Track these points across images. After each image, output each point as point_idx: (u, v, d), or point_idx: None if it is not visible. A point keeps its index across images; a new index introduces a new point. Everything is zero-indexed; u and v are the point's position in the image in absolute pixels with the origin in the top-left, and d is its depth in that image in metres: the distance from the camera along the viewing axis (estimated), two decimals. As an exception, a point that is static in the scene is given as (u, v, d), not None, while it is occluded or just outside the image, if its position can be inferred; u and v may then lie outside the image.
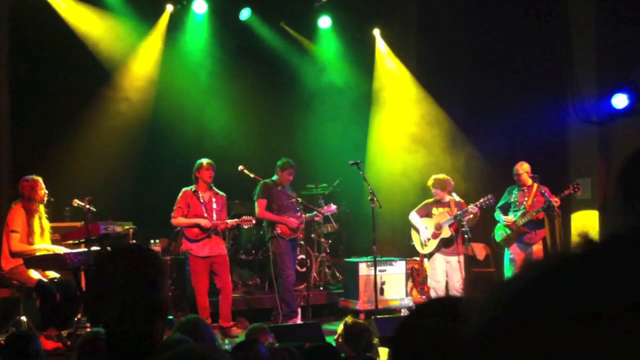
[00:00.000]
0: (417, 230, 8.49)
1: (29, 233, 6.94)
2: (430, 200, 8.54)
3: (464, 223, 8.12)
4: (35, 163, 8.62)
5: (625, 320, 0.57)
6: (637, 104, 9.93)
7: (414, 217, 8.55)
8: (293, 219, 8.12)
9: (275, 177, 8.32)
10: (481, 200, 8.21)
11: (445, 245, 8.31)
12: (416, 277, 9.17)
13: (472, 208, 8.14)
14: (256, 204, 8.24)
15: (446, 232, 8.27)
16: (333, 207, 8.67)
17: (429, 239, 8.37)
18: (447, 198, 8.34)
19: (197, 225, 7.76)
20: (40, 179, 7.05)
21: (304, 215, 8.36)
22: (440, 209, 8.38)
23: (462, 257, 8.30)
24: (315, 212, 8.52)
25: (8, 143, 8.58)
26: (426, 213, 8.50)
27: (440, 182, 8.40)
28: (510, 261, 8.45)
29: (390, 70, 11.45)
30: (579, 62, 10.53)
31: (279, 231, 8.13)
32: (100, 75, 9.66)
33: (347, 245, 10.70)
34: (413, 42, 11.29)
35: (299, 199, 8.27)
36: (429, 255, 8.49)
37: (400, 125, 11.05)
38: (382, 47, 11.47)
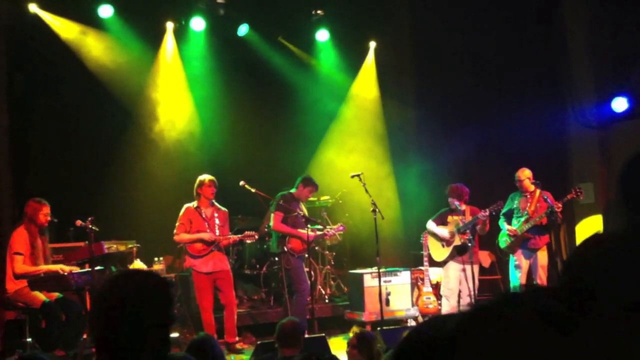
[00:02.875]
0: (436, 237, 8.51)
1: (33, 254, 6.95)
2: (446, 208, 8.55)
3: (467, 231, 8.14)
4: (37, 184, 8.65)
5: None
6: (636, 106, 9.94)
7: (431, 225, 8.57)
8: (305, 233, 8.06)
9: (293, 190, 8.32)
10: (490, 207, 8.22)
11: (458, 253, 8.32)
12: (421, 286, 9.15)
13: (481, 215, 8.15)
14: (272, 215, 8.24)
15: (458, 241, 8.29)
16: (341, 227, 8.69)
17: (445, 246, 8.40)
18: (463, 206, 8.35)
19: (200, 240, 7.75)
20: (47, 204, 7.07)
21: (316, 232, 8.39)
22: (455, 217, 8.40)
23: (476, 266, 8.30)
24: (324, 232, 8.57)
25: (7, 164, 8.59)
26: (441, 221, 8.53)
27: (456, 190, 8.41)
28: (515, 267, 8.44)
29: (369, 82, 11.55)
30: (577, 66, 10.55)
31: (289, 246, 8.11)
32: (98, 94, 9.67)
33: (351, 257, 10.69)
34: (410, 51, 11.31)
35: (314, 219, 8.33)
36: (443, 264, 8.50)
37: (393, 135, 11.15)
38: (370, 60, 11.53)
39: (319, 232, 8.54)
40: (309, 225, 8.08)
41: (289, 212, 8.11)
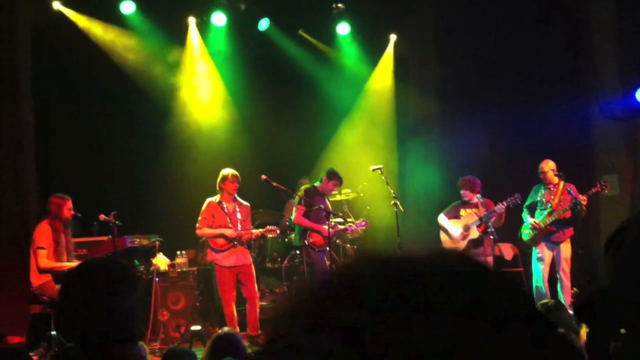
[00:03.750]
0: (447, 232, 8.46)
1: (57, 250, 7.02)
2: (459, 201, 8.50)
3: (490, 224, 8.07)
4: (61, 179, 8.74)
5: None
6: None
7: (442, 219, 8.53)
8: (326, 228, 8.03)
9: (318, 184, 8.31)
10: (508, 199, 8.15)
11: (474, 246, 8.27)
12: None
13: (498, 207, 8.09)
14: (294, 208, 8.27)
15: (474, 233, 8.22)
16: (363, 223, 8.59)
17: (459, 240, 8.35)
18: (475, 199, 8.30)
19: (222, 236, 7.78)
20: (69, 199, 7.14)
21: (338, 228, 8.37)
22: (469, 210, 8.35)
23: (490, 258, 8.24)
24: (346, 227, 8.52)
25: (33, 160, 8.71)
26: (454, 215, 8.47)
27: (469, 183, 8.36)
28: (538, 260, 8.37)
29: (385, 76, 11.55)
30: (601, 57, 10.43)
31: (310, 241, 8.09)
32: (121, 90, 9.77)
33: (372, 250, 10.65)
34: (431, 44, 11.26)
35: (336, 212, 8.23)
36: None
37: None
38: (390, 53, 11.53)
39: (340, 227, 8.51)
40: (330, 220, 8.07)
41: (310, 206, 8.11)
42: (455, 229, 8.39)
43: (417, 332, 0.64)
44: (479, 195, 8.30)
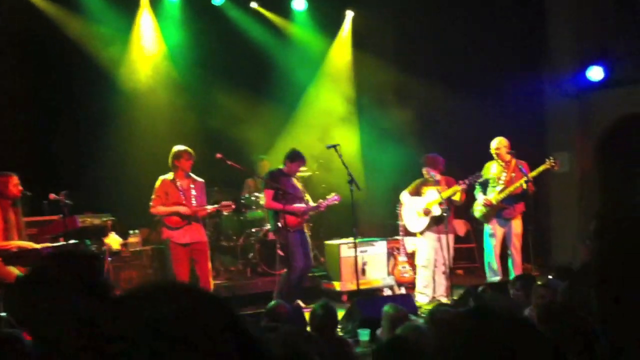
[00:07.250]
0: (409, 209, 8.53)
1: (7, 229, 6.87)
2: (421, 178, 8.54)
3: (443, 201, 8.16)
4: (10, 157, 8.54)
5: None
6: (613, 75, 9.98)
7: (405, 196, 8.57)
8: (298, 205, 7.95)
9: (282, 167, 8.19)
10: (469, 177, 8.22)
11: (436, 223, 8.34)
12: (397, 256, 9.21)
13: (461, 185, 8.15)
14: (263, 193, 8.18)
15: (436, 211, 8.27)
16: (336, 197, 8.34)
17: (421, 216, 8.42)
18: (438, 176, 8.36)
19: (177, 213, 7.70)
20: (13, 175, 6.95)
21: (310, 204, 8.26)
22: (430, 187, 8.38)
23: (452, 236, 8.33)
24: (318, 204, 8.32)
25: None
26: (416, 192, 8.51)
27: (431, 160, 8.41)
28: (490, 236, 8.50)
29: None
30: (555, 35, 10.56)
31: (283, 223, 7.99)
32: (75, 67, 9.59)
33: (327, 227, 10.70)
34: (389, 20, 11.28)
35: (305, 193, 8.08)
36: (419, 234, 8.52)
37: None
38: (347, 29, 11.57)
39: (312, 204, 8.40)
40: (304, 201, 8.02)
41: (275, 189, 8.00)
42: (418, 206, 8.45)
43: None
44: (432, 172, 8.37)
